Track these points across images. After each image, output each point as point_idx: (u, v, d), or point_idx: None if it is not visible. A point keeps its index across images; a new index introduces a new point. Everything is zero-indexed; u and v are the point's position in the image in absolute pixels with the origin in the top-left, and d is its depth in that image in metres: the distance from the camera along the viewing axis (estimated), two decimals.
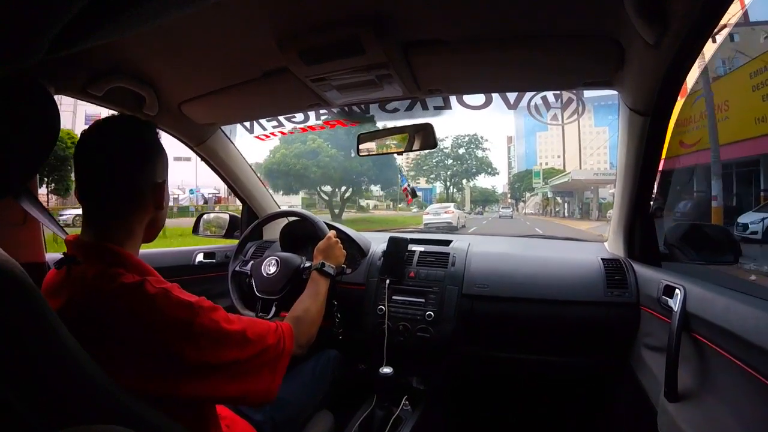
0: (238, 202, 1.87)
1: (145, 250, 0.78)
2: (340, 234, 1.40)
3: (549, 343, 1.28)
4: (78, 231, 0.71)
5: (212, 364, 0.64)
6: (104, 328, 0.60)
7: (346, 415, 1.21)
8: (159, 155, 0.73)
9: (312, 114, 1.47)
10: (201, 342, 0.63)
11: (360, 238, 1.54)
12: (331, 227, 1.38)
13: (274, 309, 1.25)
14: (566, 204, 39.60)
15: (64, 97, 1.05)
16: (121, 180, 0.68)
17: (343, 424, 1.17)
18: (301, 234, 1.52)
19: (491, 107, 1.32)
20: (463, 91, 1.23)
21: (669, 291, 0.94)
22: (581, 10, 0.78)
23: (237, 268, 1.40)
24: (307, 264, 1.27)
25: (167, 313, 0.61)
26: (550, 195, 41.99)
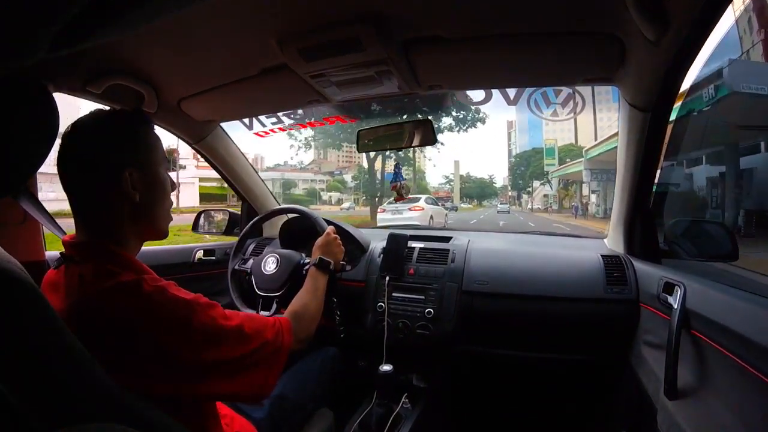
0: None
1: (144, 247, 0.77)
2: (340, 231, 1.40)
3: (548, 340, 1.28)
4: None
5: (209, 362, 0.64)
6: (102, 327, 0.60)
7: (346, 413, 1.21)
8: (130, 142, 0.69)
9: (311, 110, 1.47)
10: (198, 340, 0.63)
11: (359, 234, 1.54)
12: (330, 223, 1.38)
13: (275, 306, 1.25)
14: (601, 195, 22.89)
15: None
16: (89, 173, 0.66)
17: (343, 422, 1.18)
18: (301, 231, 1.52)
19: (491, 101, 1.32)
20: (463, 87, 1.23)
21: (669, 288, 0.94)
22: (582, 6, 0.78)
23: (237, 267, 1.40)
24: (307, 260, 1.27)
25: (164, 311, 0.61)
26: (586, 178, 23.40)
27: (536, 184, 46.66)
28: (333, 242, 1.19)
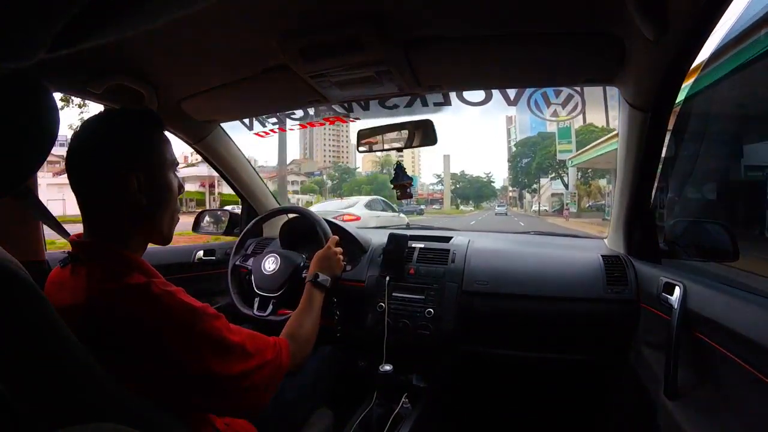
0: None
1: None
2: (340, 231, 1.40)
3: (549, 340, 1.28)
4: None
5: (210, 374, 0.63)
6: (107, 328, 0.60)
7: (346, 413, 1.21)
8: (138, 144, 0.69)
9: (311, 110, 1.47)
10: (201, 349, 0.62)
11: (360, 235, 1.54)
12: (331, 225, 1.38)
13: (271, 307, 1.25)
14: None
15: None
16: (96, 174, 0.66)
17: (343, 422, 1.18)
18: (301, 231, 1.52)
19: (491, 101, 1.32)
20: (463, 88, 1.23)
21: (669, 288, 0.94)
22: (582, 6, 0.78)
23: (238, 262, 1.40)
24: (308, 263, 1.28)
25: (171, 315, 0.61)
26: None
27: (543, 181, 37.09)
28: (333, 256, 1.18)
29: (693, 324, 0.81)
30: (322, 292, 1.08)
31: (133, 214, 0.68)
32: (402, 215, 10.81)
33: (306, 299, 1.04)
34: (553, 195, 36.30)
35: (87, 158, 0.66)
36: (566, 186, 32.02)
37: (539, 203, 37.72)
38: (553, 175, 34.64)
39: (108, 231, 0.67)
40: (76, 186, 0.66)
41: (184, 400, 0.64)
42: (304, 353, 0.91)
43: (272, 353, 0.75)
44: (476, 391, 1.59)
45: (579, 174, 28.55)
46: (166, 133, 0.77)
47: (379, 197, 11.23)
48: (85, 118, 0.70)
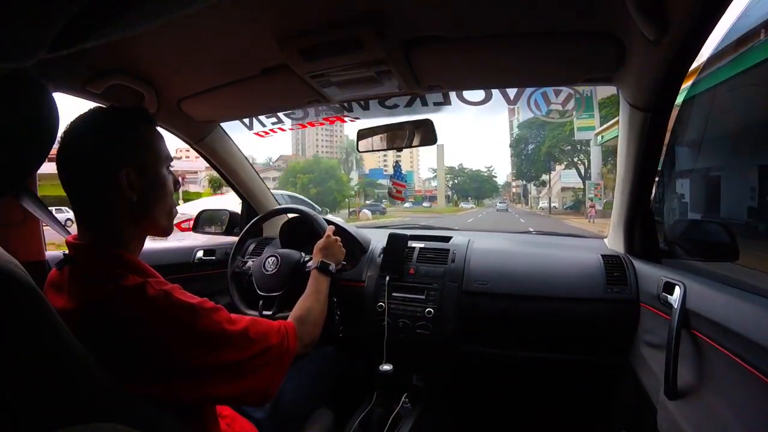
0: None
1: (144, 248, 0.76)
2: (340, 231, 1.40)
3: (548, 340, 1.28)
4: None
5: (213, 365, 0.64)
6: (105, 329, 0.60)
7: (346, 413, 1.21)
8: (128, 140, 0.68)
9: (311, 110, 1.47)
10: (203, 345, 0.62)
11: (359, 234, 1.54)
12: (330, 224, 1.38)
13: (276, 306, 1.25)
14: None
15: None
16: (85, 172, 0.65)
17: (343, 422, 1.18)
18: (301, 231, 1.52)
19: (491, 101, 1.32)
20: (463, 87, 1.23)
21: (669, 288, 0.94)
22: (582, 6, 0.78)
23: (236, 269, 1.40)
24: (307, 258, 1.27)
25: (168, 316, 0.61)
26: None
27: (558, 169, 29.63)
28: (334, 244, 1.19)
29: (693, 324, 0.81)
30: (327, 276, 1.09)
31: (127, 212, 0.67)
32: (331, 216, 8.12)
33: (312, 285, 1.05)
34: (563, 189, 30.07)
35: (75, 156, 0.65)
36: (582, 177, 25.94)
37: (549, 198, 31.05)
38: (567, 163, 27.85)
39: (102, 230, 0.67)
40: (67, 185, 0.66)
41: (187, 393, 0.63)
42: (313, 336, 0.91)
43: (277, 338, 0.75)
44: (476, 391, 1.59)
45: (605, 159, 21.91)
46: (161, 129, 0.77)
47: (288, 193, 8.30)
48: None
